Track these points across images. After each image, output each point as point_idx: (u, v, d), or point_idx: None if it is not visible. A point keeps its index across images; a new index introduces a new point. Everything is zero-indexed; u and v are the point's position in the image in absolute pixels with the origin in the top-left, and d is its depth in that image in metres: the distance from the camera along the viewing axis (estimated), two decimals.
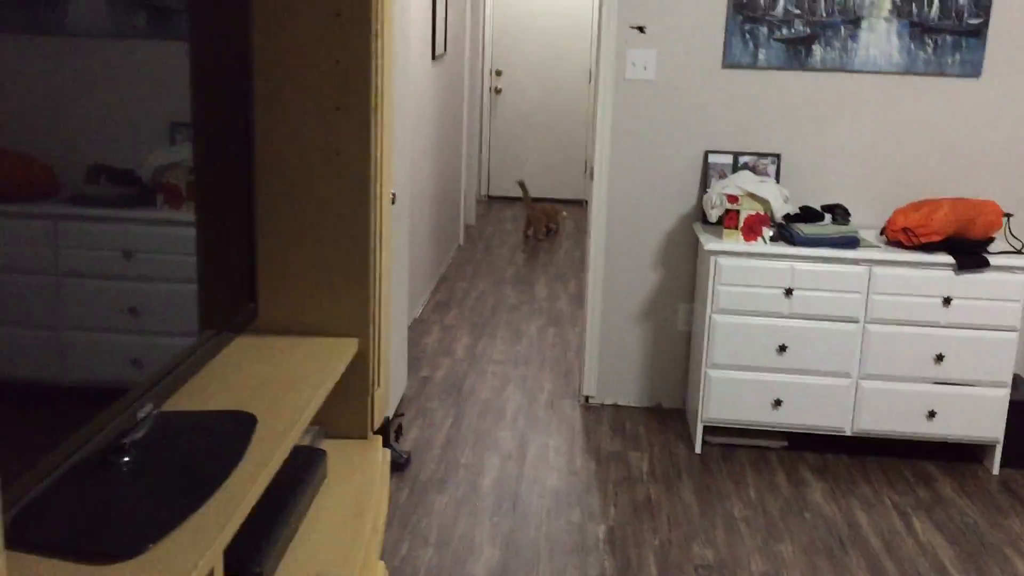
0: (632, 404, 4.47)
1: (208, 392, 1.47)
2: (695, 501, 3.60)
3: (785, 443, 4.06)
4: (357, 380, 1.78)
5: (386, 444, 3.73)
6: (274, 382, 1.54)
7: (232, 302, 1.53)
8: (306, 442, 1.72)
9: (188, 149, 1.38)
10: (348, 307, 1.76)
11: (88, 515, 1.08)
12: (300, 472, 1.54)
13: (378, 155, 1.74)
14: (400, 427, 3.85)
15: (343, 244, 1.73)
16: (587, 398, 4.48)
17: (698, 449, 4.00)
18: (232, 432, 1.32)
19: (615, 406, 4.46)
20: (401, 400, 4.31)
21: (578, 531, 3.35)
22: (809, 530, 3.41)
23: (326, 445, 1.74)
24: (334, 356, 1.66)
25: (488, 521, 3.40)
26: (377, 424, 1.84)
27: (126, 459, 1.18)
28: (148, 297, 1.26)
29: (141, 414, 1.17)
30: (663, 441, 4.11)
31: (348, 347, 1.71)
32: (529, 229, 7.58)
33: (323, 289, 1.75)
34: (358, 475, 1.67)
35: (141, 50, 1.26)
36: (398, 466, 3.72)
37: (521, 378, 4.75)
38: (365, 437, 1.80)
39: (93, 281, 1.13)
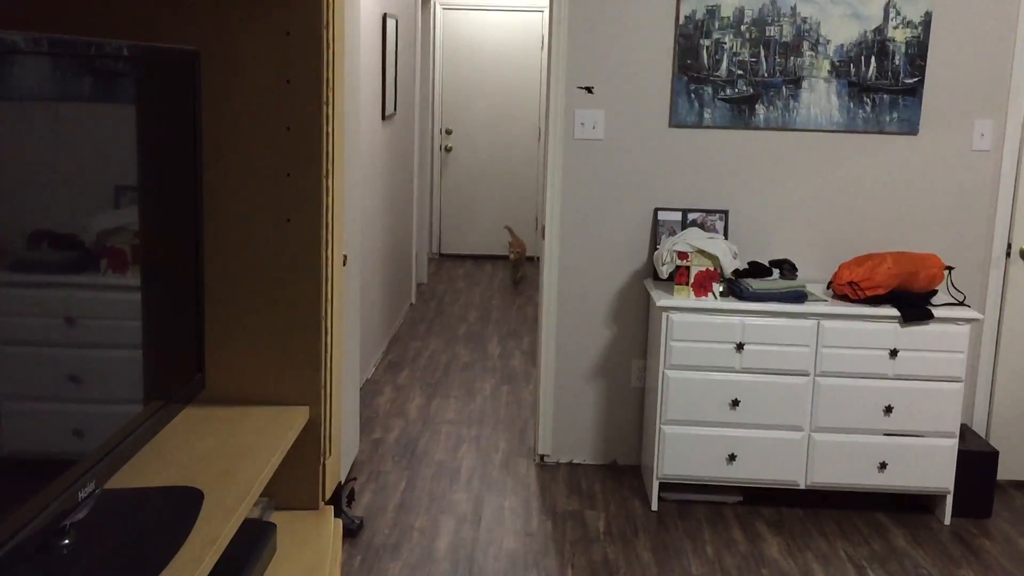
0: (587, 462, 4.44)
1: (153, 467, 1.42)
2: (652, 560, 3.57)
3: (740, 498, 4.06)
4: (308, 449, 1.74)
5: (338, 510, 3.65)
6: (222, 454, 1.49)
7: (179, 372, 1.49)
8: (255, 515, 1.67)
9: (134, 212, 1.36)
10: (299, 375, 1.73)
11: None
12: (248, 547, 1.49)
13: (329, 220, 1.73)
14: (352, 492, 3.77)
15: (294, 311, 1.71)
16: (542, 457, 4.45)
17: (654, 506, 3.98)
18: (178, 509, 1.27)
19: (570, 464, 4.43)
20: (353, 464, 4.24)
21: None
22: None
23: (276, 517, 1.69)
24: (284, 425, 1.62)
25: None
26: (328, 494, 1.79)
27: (66, 541, 1.13)
28: (90, 365, 1.22)
29: (83, 493, 1.12)
30: (619, 498, 4.08)
31: (298, 416, 1.68)
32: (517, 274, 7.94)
33: (273, 357, 1.72)
34: (309, 548, 1.62)
35: (86, 113, 1.24)
36: (350, 532, 3.64)
37: (475, 438, 4.70)
38: (316, 508, 1.75)
39: (32, 348, 1.09)
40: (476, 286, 7.97)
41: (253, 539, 1.53)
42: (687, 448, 3.91)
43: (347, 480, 3.80)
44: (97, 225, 1.28)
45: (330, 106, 1.68)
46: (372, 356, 5.65)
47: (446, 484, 4.16)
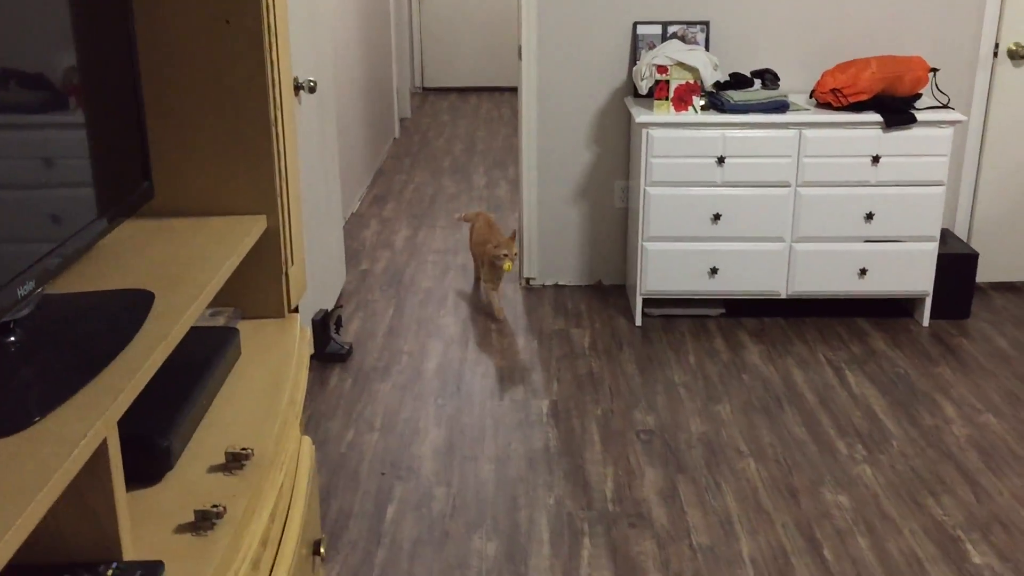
0: (573, 283, 4.49)
1: (105, 274, 1.42)
2: (636, 371, 3.66)
3: (723, 310, 4.12)
4: (269, 259, 1.75)
5: (327, 337, 3.72)
6: (175, 261, 1.49)
7: (124, 179, 1.47)
8: (221, 324, 1.69)
9: (66, 19, 1.30)
10: (252, 184, 1.71)
11: None
12: (211, 351, 1.51)
13: (271, 21, 1.66)
14: (340, 319, 3.83)
15: (242, 117, 1.67)
16: (528, 280, 4.49)
17: (638, 322, 4.05)
18: (128, 309, 1.28)
19: (556, 286, 4.48)
20: (341, 294, 4.28)
21: (522, 407, 3.40)
22: (747, 390, 3.49)
23: (242, 326, 1.71)
24: (239, 234, 1.61)
25: (433, 404, 3.42)
26: (294, 302, 1.81)
27: (12, 339, 1.14)
28: (29, 173, 1.20)
29: (22, 291, 1.12)
30: (604, 317, 4.15)
31: (255, 225, 1.67)
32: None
33: (225, 166, 1.69)
34: (274, 352, 1.65)
35: None
36: (340, 357, 3.72)
37: (462, 266, 4.74)
38: (282, 316, 1.77)
39: None
40: (461, 119, 7.84)
41: (217, 343, 1.56)
42: (669, 264, 3.94)
43: (335, 308, 3.85)
44: (29, 37, 1.23)
45: None
46: (356, 190, 5.62)
47: (434, 309, 4.22)
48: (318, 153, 3.82)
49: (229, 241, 1.57)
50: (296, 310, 1.83)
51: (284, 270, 1.77)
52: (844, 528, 2.71)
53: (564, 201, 4.38)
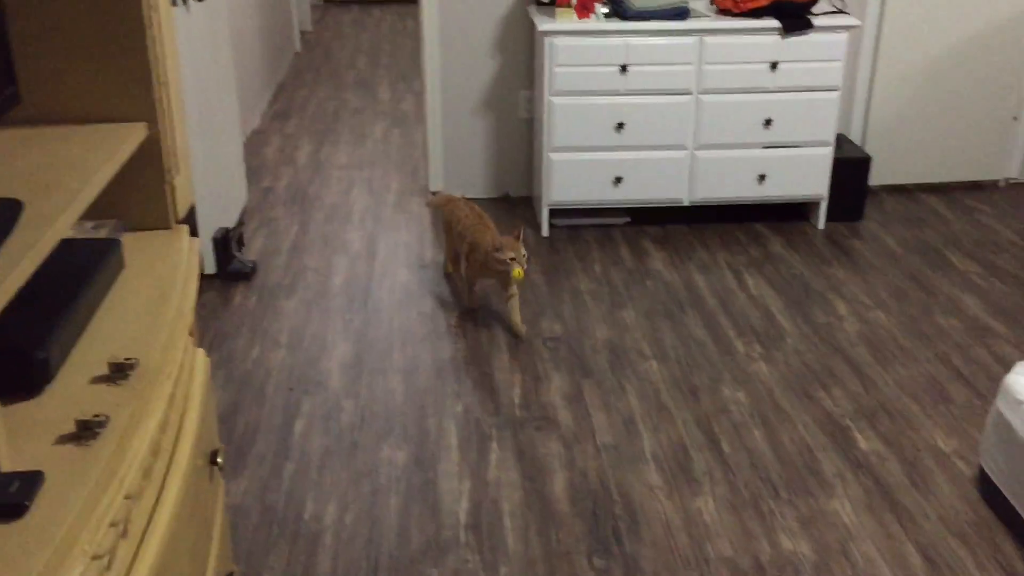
0: (480, 196, 4.47)
1: None
2: (543, 281, 3.69)
3: (628, 219, 4.17)
4: (152, 168, 1.69)
5: (230, 256, 3.64)
6: (47, 169, 1.43)
7: None
8: (102, 235, 1.63)
9: None
10: (130, 91, 1.63)
11: None
12: (91, 262, 1.47)
13: None
14: (241, 236, 3.75)
15: (113, 19, 1.59)
16: (435, 194, 4.45)
17: (545, 232, 4.07)
18: None
19: (463, 199, 4.45)
20: (243, 212, 4.19)
21: (430, 320, 3.41)
22: (650, 296, 3.56)
23: (126, 238, 1.66)
24: (116, 142, 1.55)
25: (340, 319, 3.41)
26: (181, 213, 1.76)
27: None
28: None
29: None
30: (511, 228, 4.15)
31: (132, 132, 1.60)
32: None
33: (99, 73, 1.61)
34: (161, 264, 1.61)
35: None
36: (244, 275, 3.66)
37: (367, 180, 4.67)
38: (169, 228, 1.72)
39: None
40: (364, 31, 7.63)
41: (96, 254, 1.51)
42: (574, 174, 3.95)
43: (236, 226, 3.77)
44: None
45: None
46: (257, 106, 5.45)
47: (339, 225, 4.17)
48: (210, 64, 3.67)
49: (105, 148, 1.51)
50: (186, 222, 1.78)
51: (168, 180, 1.71)
52: (741, 422, 2.82)
53: (469, 113, 4.33)
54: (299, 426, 2.81)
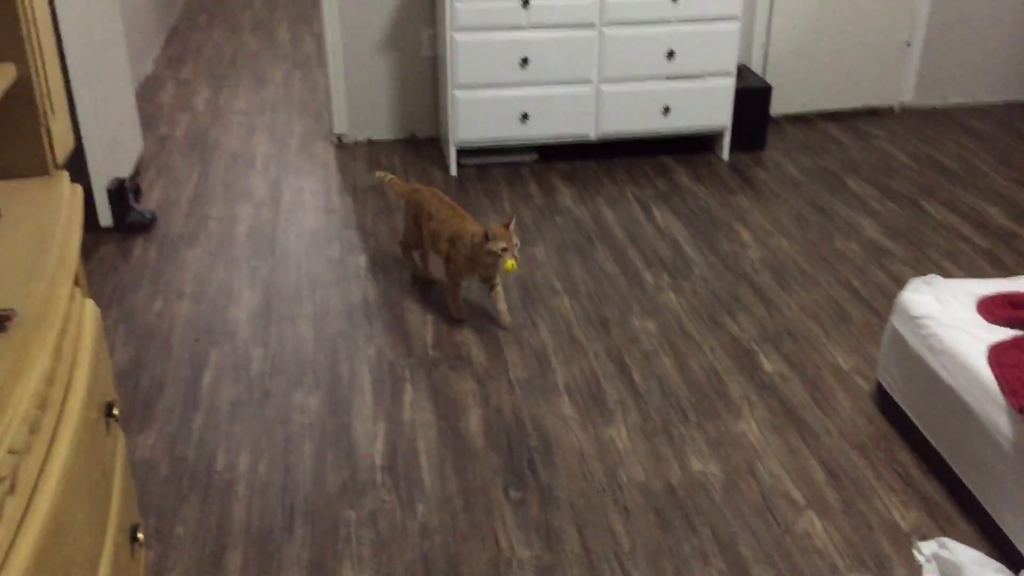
0: (386, 138, 4.40)
1: None
2: None
3: (536, 156, 4.16)
4: (23, 111, 1.60)
5: (127, 207, 3.51)
6: None
7: None
8: None
9: None
10: None
11: None
12: None
13: None
14: (138, 187, 3.62)
15: None
16: (339, 137, 4.36)
17: (453, 172, 4.03)
18: None
19: (369, 142, 4.38)
20: (139, 161, 4.03)
21: (339, 264, 3.36)
22: (560, 232, 3.57)
23: (2, 187, 1.58)
24: None
25: (246, 268, 3.33)
26: (60, 159, 1.68)
27: None
28: None
29: None
30: (419, 170, 4.11)
31: (2, 72, 1.51)
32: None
33: None
34: (40, 211, 1.53)
35: None
36: (144, 227, 3.54)
37: (269, 125, 4.54)
38: (47, 173, 1.64)
39: None
40: None
41: None
42: (480, 112, 3.91)
43: (132, 176, 3.63)
44: None
45: None
46: (149, 51, 5.23)
47: (241, 172, 4.05)
48: (93, 4, 3.49)
49: None
50: (69, 169, 1.70)
51: (44, 124, 1.63)
52: (650, 350, 2.87)
53: (371, 53, 4.23)
54: (208, 377, 2.75)
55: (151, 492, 2.32)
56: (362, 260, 3.38)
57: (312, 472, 2.39)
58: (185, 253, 3.42)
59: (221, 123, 4.56)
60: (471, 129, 3.94)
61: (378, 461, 2.43)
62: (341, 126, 4.35)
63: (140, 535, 1.66)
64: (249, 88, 5.01)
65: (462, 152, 4.06)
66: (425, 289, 3.19)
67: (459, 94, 3.87)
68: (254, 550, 2.16)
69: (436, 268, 3.23)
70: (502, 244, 2.84)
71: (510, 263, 2.83)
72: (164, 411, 2.61)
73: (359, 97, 4.30)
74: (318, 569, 2.11)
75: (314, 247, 3.47)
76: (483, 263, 2.91)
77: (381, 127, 4.38)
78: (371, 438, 2.51)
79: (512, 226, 2.88)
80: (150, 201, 3.78)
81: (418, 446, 2.48)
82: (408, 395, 2.68)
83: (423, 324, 3.01)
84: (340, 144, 4.35)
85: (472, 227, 2.97)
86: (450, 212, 3.06)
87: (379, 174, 3.35)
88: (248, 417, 2.59)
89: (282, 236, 3.55)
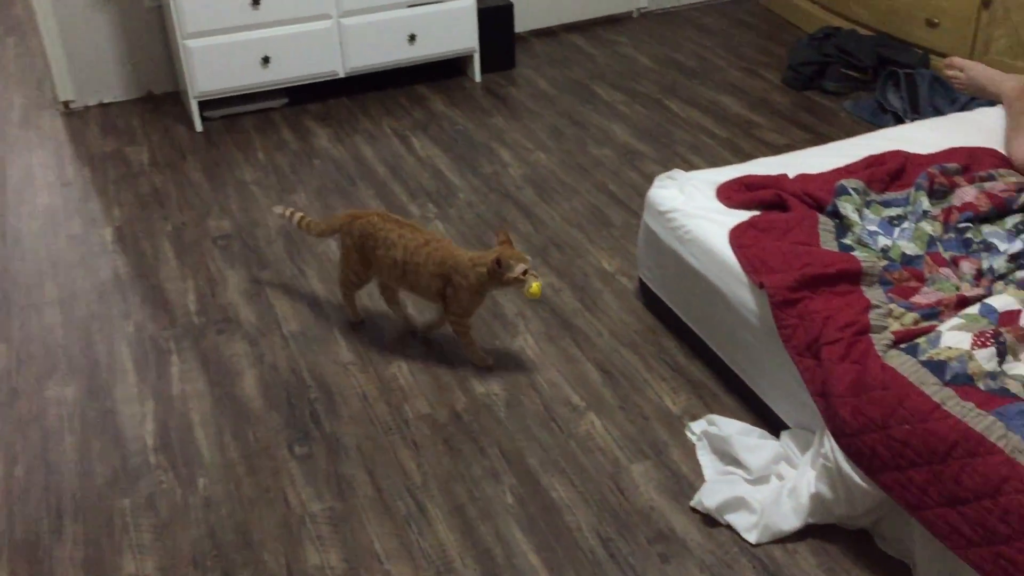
0: (120, 99, 4.08)
1: None
2: (204, 179, 3.47)
3: (286, 100, 3.99)
4: None
5: None
6: None
7: None
8: None
9: None
10: None
11: None
12: None
13: None
14: None
15: None
16: (67, 104, 4.00)
17: (199, 127, 3.80)
18: None
19: (101, 105, 4.05)
20: None
21: (82, 241, 3.11)
22: (319, 175, 3.46)
23: None
24: None
25: None
26: None
27: None
28: None
29: None
30: (161, 129, 3.85)
31: None
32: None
33: None
34: None
35: None
36: None
37: None
38: None
39: None
40: None
41: None
42: (217, 60, 3.69)
43: None
44: None
45: None
46: None
47: None
48: None
49: None
50: None
51: None
52: None
53: (86, 9, 3.88)
54: None
55: None
56: (107, 233, 3.15)
57: (77, 466, 2.23)
58: None
59: None
60: (210, 79, 3.71)
61: (150, 442, 2.29)
62: (66, 92, 3.99)
63: None
64: None
65: (205, 104, 3.83)
66: (182, 254, 3.01)
67: (191, 43, 3.63)
68: (21, 560, 1.99)
69: (413, 304, 2.76)
70: (522, 266, 2.32)
71: (536, 286, 2.31)
72: None
73: (82, 58, 3.95)
74: (95, 566, 1.97)
75: (51, 226, 3.19)
76: (490, 292, 2.44)
77: (113, 88, 4.05)
78: (139, 419, 2.36)
79: (509, 240, 2.40)
80: None
81: (192, 419, 2.36)
82: (175, 367, 2.54)
83: (184, 291, 2.84)
84: (68, 111, 4.00)
85: (459, 252, 2.42)
86: (422, 238, 2.44)
87: (278, 210, 2.69)
88: None
89: (13, 219, 3.24)
